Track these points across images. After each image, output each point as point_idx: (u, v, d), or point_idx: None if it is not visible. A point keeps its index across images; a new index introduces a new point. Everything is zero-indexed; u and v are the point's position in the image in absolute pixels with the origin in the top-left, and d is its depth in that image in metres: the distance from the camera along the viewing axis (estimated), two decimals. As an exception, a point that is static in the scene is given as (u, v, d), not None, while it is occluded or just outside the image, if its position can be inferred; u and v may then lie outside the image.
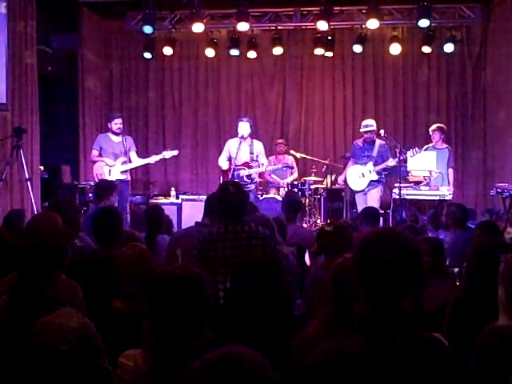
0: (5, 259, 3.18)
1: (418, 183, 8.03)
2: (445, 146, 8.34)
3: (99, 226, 3.75)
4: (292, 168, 9.07)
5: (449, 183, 8.13)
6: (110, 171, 8.00)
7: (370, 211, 6.07)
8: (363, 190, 8.07)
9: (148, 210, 5.50)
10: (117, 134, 8.11)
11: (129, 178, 8.22)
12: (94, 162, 8.23)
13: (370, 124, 8.17)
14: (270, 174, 9.06)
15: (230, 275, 2.91)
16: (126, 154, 8.08)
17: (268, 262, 3.16)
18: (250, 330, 2.65)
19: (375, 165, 7.99)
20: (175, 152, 8.45)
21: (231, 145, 8.28)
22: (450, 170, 8.23)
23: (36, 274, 2.41)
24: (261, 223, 3.84)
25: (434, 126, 8.41)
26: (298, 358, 2.33)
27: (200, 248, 3.49)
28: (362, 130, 8.20)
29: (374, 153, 8.07)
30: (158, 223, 4.99)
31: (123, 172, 8.05)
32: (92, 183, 8.21)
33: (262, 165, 8.23)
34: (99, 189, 6.21)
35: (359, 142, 8.35)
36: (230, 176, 7.99)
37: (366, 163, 8.07)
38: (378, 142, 8.15)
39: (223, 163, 8.29)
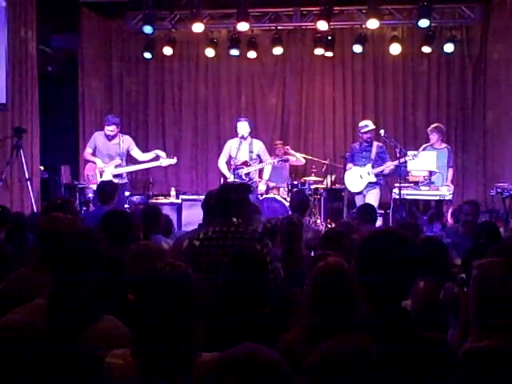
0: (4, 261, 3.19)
1: (417, 183, 8.03)
2: (444, 145, 8.33)
3: (110, 228, 3.53)
4: (287, 161, 8.96)
5: (447, 182, 8.14)
6: (101, 173, 7.78)
7: (367, 208, 6.00)
8: (361, 192, 8.08)
9: (144, 209, 5.32)
10: (109, 139, 7.85)
11: (126, 181, 8.01)
12: (86, 161, 8.10)
13: (368, 124, 8.21)
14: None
15: (225, 264, 2.97)
16: (121, 156, 7.84)
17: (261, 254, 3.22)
18: (243, 323, 2.66)
19: (373, 167, 8.02)
20: (173, 160, 8.16)
21: (231, 145, 8.27)
22: (450, 170, 8.24)
23: (76, 279, 2.24)
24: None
25: (431, 127, 8.41)
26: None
27: (191, 250, 3.56)
28: (362, 130, 8.19)
29: (372, 155, 8.08)
30: (153, 223, 4.84)
31: (119, 174, 7.81)
32: (86, 184, 8.12)
33: (261, 162, 8.18)
34: (103, 192, 6.01)
35: (356, 144, 8.42)
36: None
37: (364, 165, 8.08)
38: (376, 143, 8.18)
39: (223, 165, 8.28)
